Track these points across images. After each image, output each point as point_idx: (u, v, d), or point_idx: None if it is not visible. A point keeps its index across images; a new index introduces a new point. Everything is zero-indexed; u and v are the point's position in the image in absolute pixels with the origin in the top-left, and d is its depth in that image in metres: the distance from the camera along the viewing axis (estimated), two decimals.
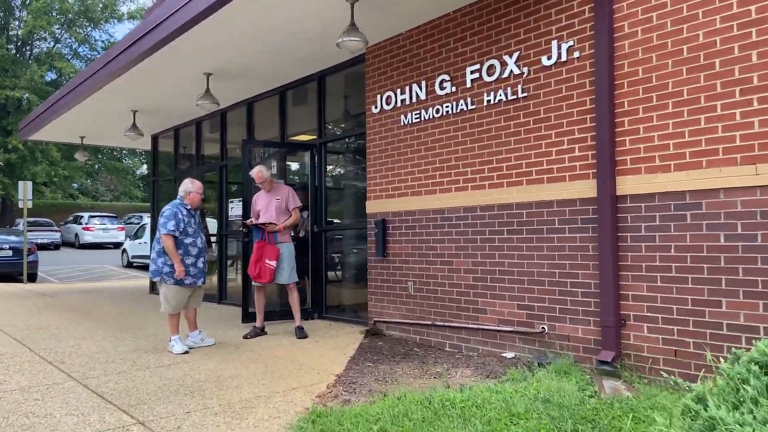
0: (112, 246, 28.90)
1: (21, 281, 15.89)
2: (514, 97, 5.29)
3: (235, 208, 9.59)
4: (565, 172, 4.88)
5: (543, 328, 5.00)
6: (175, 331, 6.10)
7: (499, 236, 5.42)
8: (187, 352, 5.96)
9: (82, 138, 12.52)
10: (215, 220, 10.54)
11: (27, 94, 30.29)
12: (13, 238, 17.54)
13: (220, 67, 7.74)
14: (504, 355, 5.29)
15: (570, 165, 4.85)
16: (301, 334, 6.58)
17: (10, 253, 16.47)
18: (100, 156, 34.35)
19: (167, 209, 6.11)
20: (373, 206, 6.79)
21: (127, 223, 30.77)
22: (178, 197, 6.27)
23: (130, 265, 21.24)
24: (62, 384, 4.87)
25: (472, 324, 5.62)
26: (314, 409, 3.78)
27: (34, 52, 33.61)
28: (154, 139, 12.28)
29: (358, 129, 7.76)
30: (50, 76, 32.06)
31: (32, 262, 16.45)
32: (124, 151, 36.68)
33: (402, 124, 6.46)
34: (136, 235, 21.35)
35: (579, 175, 4.78)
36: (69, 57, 33.87)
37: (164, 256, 6.01)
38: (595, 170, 4.64)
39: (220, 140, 10.13)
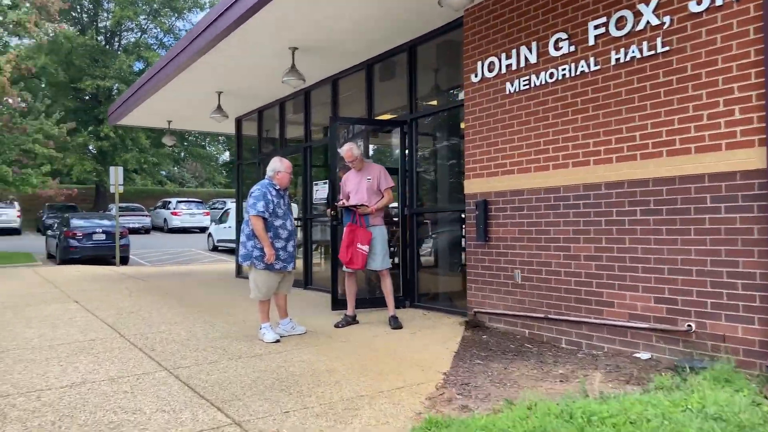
0: (197, 230, 29.75)
1: (113, 264, 16.41)
2: (652, 53, 4.49)
3: (319, 191, 9.22)
4: (721, 139, 4.07)
5: (689, 325, 4.23)
6: (265, 318, 5.76)
7: (629, 218, 4.66)
8: (278, 341, 5.61)
9: (169, 122, 12.57)
10: (295, 205, 10.25)
11: (117, 84, 31.53)
12: (106, 222, 18.18)
13: (305, 41, 7.31)
14: (637, 355, 4.56)
15: (727, 131, 4.03)
16: (395, 324, 6.09)
17: (104, 236, 17.04)
18: (185, 143, 35.42)
19: (256, 189, 5.75)
20: (472, 186, 6.16)
21: (212, 208, 31.61)
22: (266, 177, 5.90)
23: (215, 249, 21.65)
24: (153, 374, 4.60)
25: (594, 318, 4.91)
26: (430, 418, 3.25)
27: (122, 42, 34.97)
28: (238, 122, 12.13)
29: (454, 102, 7.13)
30: (138, 65, 33.27)
31: (124, 245, 16.96)
32: (207, 139, 37.72)
33: (507, 92, 5.78)
34: (221, 220, 21.71)
35: (740, 143, 3.96)
36: (155, 47, 35.02)
37: (254, 239, 5.66)
38: (762, 136, 3.82)
39: (303, 121, 9.77)
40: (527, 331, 5.54)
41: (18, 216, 27.52)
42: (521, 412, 3.17)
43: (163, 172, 38.86)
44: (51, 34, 24.49)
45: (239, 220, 12.18)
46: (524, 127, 5.62)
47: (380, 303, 7.02)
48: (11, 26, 17.83)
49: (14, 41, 21.58)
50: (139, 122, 13.62)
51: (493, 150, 5.92)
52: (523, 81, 5.62)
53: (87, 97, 33.58)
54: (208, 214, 30.40)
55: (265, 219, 5.61)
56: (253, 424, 3.45)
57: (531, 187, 5.54)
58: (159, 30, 35.10)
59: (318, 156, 9.67)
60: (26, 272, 13.86)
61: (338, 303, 6.99)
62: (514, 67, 5.73)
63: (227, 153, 42.56)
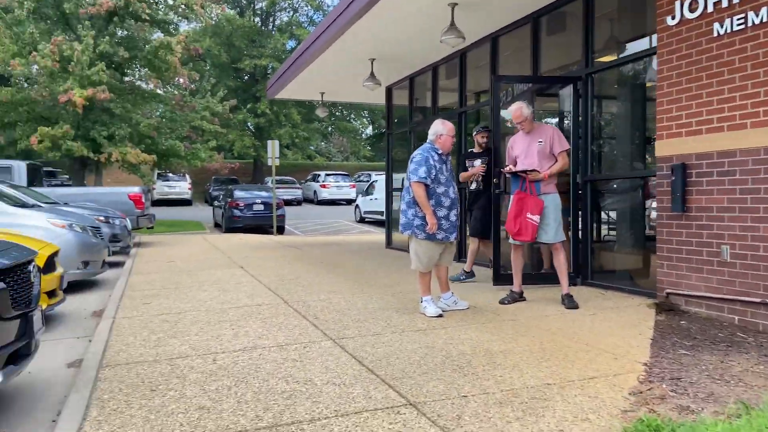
0: (344, 202, 30.63)
1: (271, 233, 17.26)
2: None
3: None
4: None
5: None
6: (427, 291, 5.44)
7: None
8: (441, 316, 5.27)
9: (322, 94, 12.71)
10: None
11: (271, 63, 33.13)
12: (264, 193, 19.17)
13: None
14: None
15: None
16: (570, 303, 5.48)
17: (262, 207, 17.96)
18: (333, 118, 36.50)
19: (417, 154, 5.40)
20: (666, 147, 5.30)
21: (358, 181, 32.35)
22: (428, 141, 5.52)
23: (362, 221, 22.05)
24: (319, 343, 4.48)
25: None
26: (648, 420, 2.69)
27: (276, 23, 36.63)
28: (388, 91, 11.92)
29: (640, 52, 6.22)
30: (290, 44, 34.68)
31: (280, 215, 17.75)
32: (351, 114, 38.58)
33: (716, 35, 4.83)
34: (368, 192, 22.02)
35: None
36: (305, 24, 36.28)
37: (414, 207, 5.33)
38: None
39: (458, 85, 9.26)
40: (737, 318, 4.67)
41: (189, 188, 30.16)
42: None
43: (312, 147, 40.44)
44: (214, 18, 26.17)
45: (389, 191, 12.05)
46: (738, 75, 4.67)
47: (547, 279, 6.43)
48: (180, 9, 19.20)
49: (183, 26, 23.33)
50: (294, 95, 13.96)
51: (695, 104, 5.01)
52: (737, 20, 4.65)
53: (246, 77, 35.73)
54: (354, 186, 31.13)
55: (426, 186, 5.25)
56: (430, 407, 3.12)
57: (746, 147, 4.60)
58: (309, 8, 36.24)
59: (473, 122, 9.14)
60: (197, 239, 14.99)
61: (501, 278, 6.50)
62: (724, 4, 4.77)
63: (370, 127, 43.34)
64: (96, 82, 15.69)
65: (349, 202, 30.60)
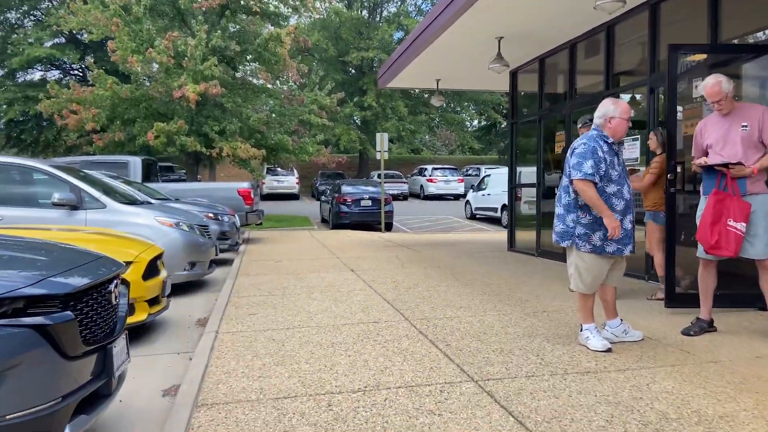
0: (452, 197, 29.50)
1: (378, 230, 16.54)
2: None
3: (626, 151, 7.32)
4: None
5: None
6: (589, 317, 4.28)
7: None
8: (609, 350, 4.11)
9: (438, 81, 11.71)
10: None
11: (379, 54, 32.59)
12: (371, 188, 18.53)
13: None
14: None
15: None
16: None
17: (370, 203, 17.29)
18: (440, 110, 35.44)
19: (580, 144, 4.24)
20: None
21: (465, 175, 31.09)
22: (593, 127, 4.34)
23: (473, 217, 20.86)
24: (458, 385, 3.49)
25: None
26: None
27: (383, 14, 36.08)
28: (513, 75, 10.68)
29: None
30: (398, 35, 34.01)
31: (388, 211, 17.00)
32: (458, 107, 37.25)
33: None
34: (479, 187, 20.79)
35: None
36: (414, 14, 35.43)
37: (575, 211, 4.19)
38: None
39: (604, 64, 7.88)
40: None
41: (297, 183, 30.33)
42: None
43: (417, 140, 39.58)
44: (324, 11, 25.96)
45: (512, 186, 10.84)
46: None
47: (736, 302, 5.05)
48: (291, 1, 18.93)
49: (292, 20, 23.18)
50: (408, 84, 13.08)
51: None
52: None
53: (352, 70, 35.50)
54: (462, 181, 29.92)
55: (594, 184, 4.09)
56: None
57: None
58: None
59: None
60: (304, 236, 14.54)
61: (676, 298, 5.19)
62: None
63: (477, 120, 41.77)
64: (208, 77, 15.68)
65: (457, 197, 29.46)
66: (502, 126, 35.95)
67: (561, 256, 8.91)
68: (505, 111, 35.37)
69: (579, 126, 6.20)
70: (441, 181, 29.82)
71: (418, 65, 10.48)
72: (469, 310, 5.56)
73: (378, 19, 35.66)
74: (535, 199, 9.98)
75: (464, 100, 35.38)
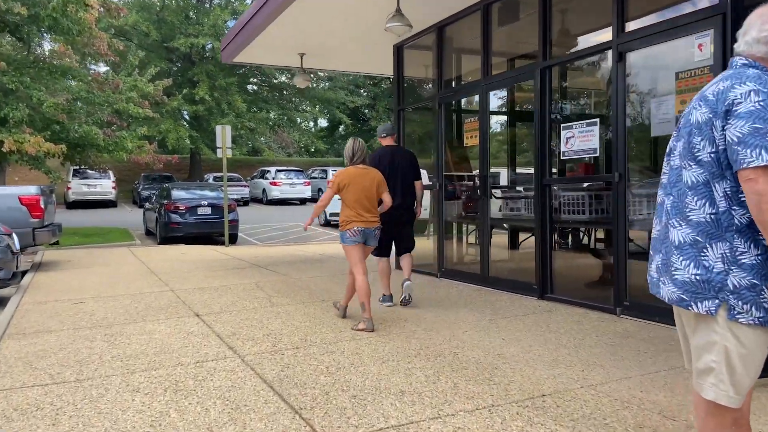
0: (298, 202, 27.04)
1: (221, 243, 13.59)
2: None
3: (576, 138, 5.53)
4: None
5: None
6: None
7: None
8: None
9: (302, 56, 9.23)
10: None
11: (211, 42, 28.98)
12: (210, 193, 15.43)
13: None
14: None
15: None
16: None
17: (209, 210, 14.22)
18: (283, 110, 32.65)
19: (747, 93, 1.99)
20: None
21: (311, 178, 28.77)
22: (741, 63, 2.14)
23: (327, 224, 18.58)
24: None
25: None
26: None
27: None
28: (398, 50, 8.57)
29: None
30: (233, 23, 30.62)
31: (233, 220, 14.09)
32: (302, 105, 34.81)
33: None
34: None
35: None
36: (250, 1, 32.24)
37: (728, 239, 1.93)
38: None
39: (540, 27, 6.03)
40: None
41: (113, 187, 25.66)
42: None
43: (263, 139, 36.28)
44: None
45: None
46: None
47: None
48: None
49: None
50: (261, 59, 10.40)
51: None
52: None
53: (180, 59, 31.36)
54: (308, 184, 27.57)
55: None
56: None
57: None
58: None
59: (574, 80, 6.00)
60: (122, 255, 11.14)
61: None
62: None
63: (323, 120, 39.68)
64: None
65: (303, 201, 27.05)
66: (349, 126, 34.20)
67: (473, 277, 7.18)
68: (349, 111, 33.71)
69: (385, 135, 5.86)
70: (286, 184, 27.18)
71: (277, 32, 7.97)
72: (419, 402, 3.24)
73: (209, 5, 31.90)
74: (434, 205, 7.97)
75: (310, 98, 32.97)
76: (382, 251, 5.76)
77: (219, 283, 7.58)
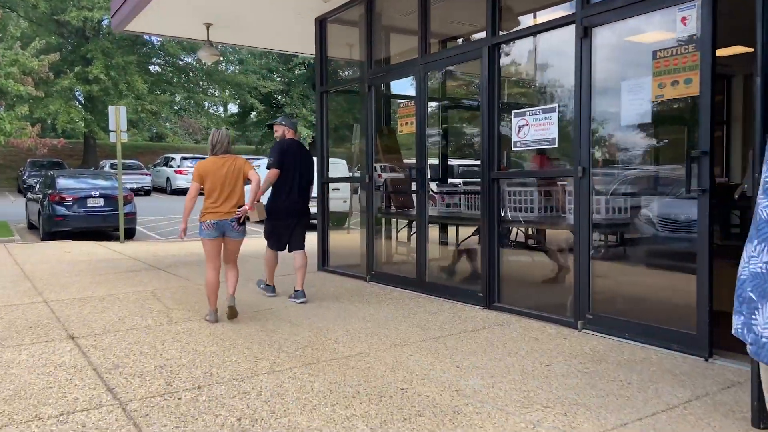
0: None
1: (116, 239, 12.07)
2: None
3: (529, 127, 4.85)
4: None
5: None
6: None
7: None
8: None
9: (209, 27, 8.03)
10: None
11: (107, 17, 26.45)
12: (103, 182, 13.72)
13: None
14: None
15: None
16: None
17: (101, 202, 12.60)
18: (189, 93, 30.48)
19: None
20: None
21: None
22: None
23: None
24: None
25: None
26: None
27: None
28: (321, 24, 7.59)
29: None
30: None
31: (130, 213, 12.57)
32: (211, 89, 32.73)
33: None
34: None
35: None
36: None
37: None
38: None
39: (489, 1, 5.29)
40: None
41: None
42: None
43: (168, 124, 33.85)
44: None
45: (324, 181, 7.78)
46: None
47: None
48: None
49: None
50: (158, 29, 9.05)
51: None
52: None
53: (72, 33, 28.46)
54: None
55: None
56: None
57: None
58: None
59: (529, 60, 5.29)
60: None
61: None
62: None
63: (233, 105, 37.63)
64: None
65: None
66: (261, 112, 32.58)
67: (408, 282, 6.36)
68: (261, 96, 32.09)
69: (290, 128, 5.81)
70: (192, 172, 25.29)
71: None
72: None
73: None
74: (361, 199, 7.12)
75: (220, 82, 31.01)
76: (273, 244, 5.73)
77: (106, 291, 6.35)
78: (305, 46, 8.17)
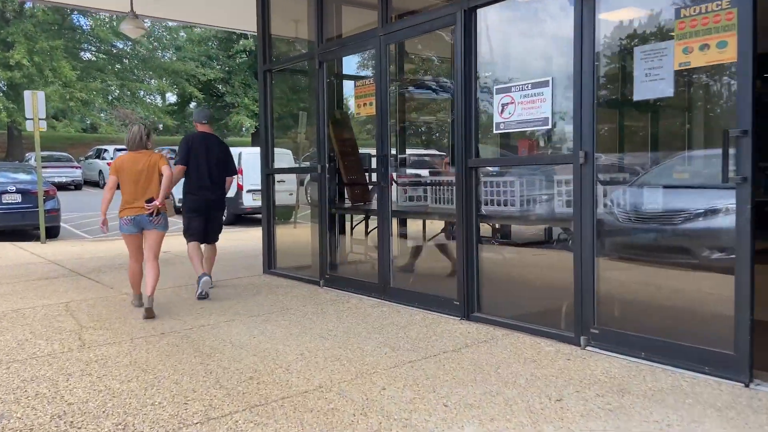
0: None
1: (36, 238, 10.75)
2: None
3: (516, 105, 4.10)
4: None
5: None
6: None
7: None
8: None
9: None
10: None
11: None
12: (22, 176, 12.26)
13: None
14: None
15: None
16: None
17: (19, 198, 11.22)
18: (120, 83, 28.54)
19: None
20: None
21: None
22: None
23: (178, 212, 16.03)
24: None
25: None
26: None
27: None
28: None
29: None
30: None
31: (52, 210, 11.25)
32: (147, 76, 30.82)
33: None
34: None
35: None
36: None
37: None
38: None
39: None
40: None
41: None
42: None
43: (103, 114, 31.74)
44: None
45: (269, 172, 6.85)
46: None
47: None
48: None
49: None
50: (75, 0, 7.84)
51: None
52: None
53: None
54: None
55: None
56: None
57: None
58: None
59: (513, 24, 4.52)
60: None
61: None
62: None
63: (171, 95, 35.69)
64: None
65: None
66: (201, 101, 30.97)
67: (369, 287, 5.22)
68: (201, 85, 30.51)
69: (201, 121, 5.81)
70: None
71: None
72: None
73: None
74: (309, 191, 6.27)
75: (151, 68, 29.22)
76: (192, 236, 5.66)
77: (9, 305, 5.28)
78: (246, 22, 7.19)
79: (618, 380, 3.14)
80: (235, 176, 5.94)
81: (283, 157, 8.72)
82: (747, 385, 2.94)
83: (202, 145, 5.64)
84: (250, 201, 13.06)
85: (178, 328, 4.46)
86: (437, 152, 8.98)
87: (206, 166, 5.58)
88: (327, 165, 5.87)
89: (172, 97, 36.39)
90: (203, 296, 5.43)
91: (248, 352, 3.85)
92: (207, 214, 5.69)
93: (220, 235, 6.12)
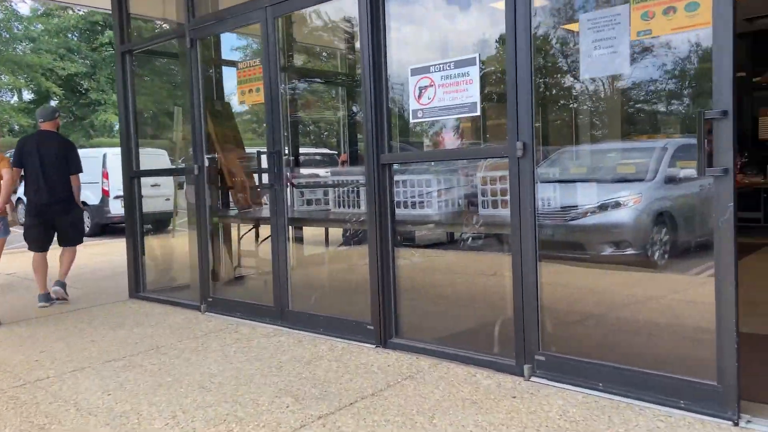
0: None
1: None
2: None
3: (437, 89, 3.42)
4: None
5: None
6: None
7: None
8: None
9: None
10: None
11: None
12: None
13: None
14: None
15: None
16: None
17: None
18: None
19: None
20: None
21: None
22: None
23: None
24: None
25: None
26: None
27: None
28: None
29: None
30: None
31: None
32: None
33: None
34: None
35: None
36: None
37: None
38: None
39: None
40: None
41: None
42: None
43: None
44: None
45: (133, 175, 5.71)
46: None
47: None
48: None
49: None
50: None
51: None
52: None
53: None
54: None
55: None
56: None
57: None
58: None
59: None
60: None
61: None
62: None
63: (28, 93, 31.89)
64: None
65: None
66: (62, 98, 27.87)
67: (262, 311, 4.36)
68: (61, 81, 27.45)
69: (43, 120, 5.41)
70: None
71: None
72: None
73: None
74: (189, 196, 5.27)
75: (1, 62, 25.77)
76: (31, 245, 5.31)
77: None
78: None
79: (581, 425, 2.52)
80: (80, 173, 5.45)
81: (158, 158, 7.68)
82: (736, 423, 2.43)
83: (35, 145, 5.24)
84: (118, 208, 11.49)
85: (3, 386, 3.32)
86: (328, 150, 8.29)
87: (39, 166, 5.17)
88: (206, 164, 4.88)
89: (28, 96, 32.57)
90: (49, 301, 5.24)
91: (99, 419, 2.85)
92: (47, 219, 5.28)
93: (80, 246, 5.61)
